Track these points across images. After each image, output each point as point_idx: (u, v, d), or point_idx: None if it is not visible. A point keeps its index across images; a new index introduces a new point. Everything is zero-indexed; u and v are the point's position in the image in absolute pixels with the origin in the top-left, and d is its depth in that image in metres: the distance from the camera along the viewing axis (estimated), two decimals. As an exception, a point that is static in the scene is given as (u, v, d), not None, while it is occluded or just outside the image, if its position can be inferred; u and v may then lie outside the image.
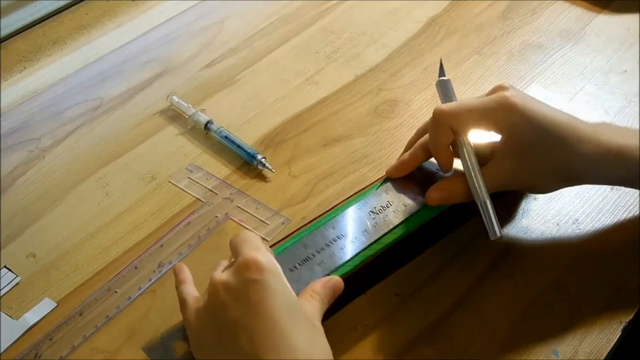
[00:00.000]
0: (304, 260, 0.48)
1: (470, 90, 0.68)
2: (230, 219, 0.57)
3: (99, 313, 0.50)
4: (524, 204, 0.58)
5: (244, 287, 0.40)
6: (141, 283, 0.52)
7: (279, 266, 0.43)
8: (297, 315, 0.41)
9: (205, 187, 0.60)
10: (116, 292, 0.52)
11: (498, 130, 0.49)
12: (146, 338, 0.49)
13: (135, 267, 0.53)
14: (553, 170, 0.50)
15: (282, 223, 0.56)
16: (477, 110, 0.49)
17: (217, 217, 0.57)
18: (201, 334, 0.42)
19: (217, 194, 0.59)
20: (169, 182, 0.60)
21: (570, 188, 0.58)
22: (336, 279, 0.46)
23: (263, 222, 0.57)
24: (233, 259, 0.44)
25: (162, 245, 0.55)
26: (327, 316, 0.49)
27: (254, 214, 0.57)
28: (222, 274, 0.43)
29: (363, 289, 0.51)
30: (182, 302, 0.46)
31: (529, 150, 0.49)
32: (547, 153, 0.49)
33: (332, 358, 0.41)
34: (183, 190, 0.60)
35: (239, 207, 0.58)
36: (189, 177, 0.61)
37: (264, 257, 0.42)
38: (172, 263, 0.54)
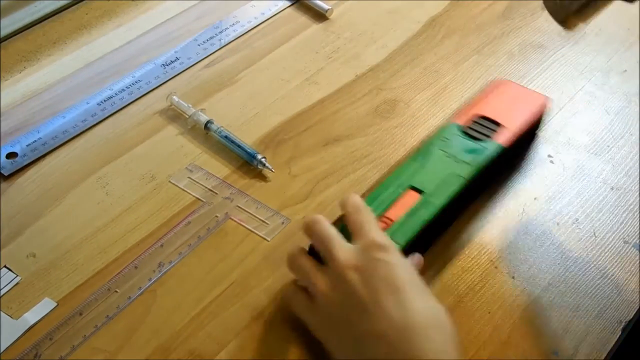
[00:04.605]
0: None
1: (470, 91, 0.68)
2: (230, 218, 0.57)
3: (99, 313, 0.50)
4: (524, 204, 0.58)
5: (373, 267, 0.44)
6: (141, 283, 0.52)
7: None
8: (419, 283, 0.45)
9: (205, 187, 0.60)
10: (116, 292, 0.52)
11: None
12: (146, 338, 0.49)
13: (135, 267, 0.53)
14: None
15: (282, 223, 0.56)
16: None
17: (217, 216, 0.57)
18: (332, 315, 0.45)
19: (217, 193, 0.59)
20: (169, 182, 0.60)
21: (571, 188, 0.59)
22: (418, 256, 0.50)
23: (263, 221, 0.57)
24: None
25: (162, 245, 0.55)
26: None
27: (254, 214, 0.57)
28: (348, 256, 0.45)
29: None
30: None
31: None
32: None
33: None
34: (183, 190, 0.60)
35: (239, 207, 0.58)
36: (189, 177, 0.61)
37: (386, 238, 0.46)
38: (172, 263, 0.54)
